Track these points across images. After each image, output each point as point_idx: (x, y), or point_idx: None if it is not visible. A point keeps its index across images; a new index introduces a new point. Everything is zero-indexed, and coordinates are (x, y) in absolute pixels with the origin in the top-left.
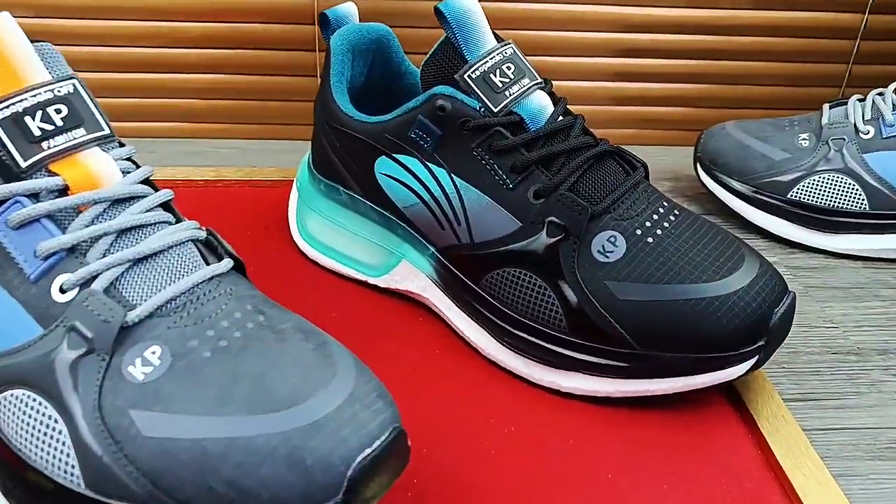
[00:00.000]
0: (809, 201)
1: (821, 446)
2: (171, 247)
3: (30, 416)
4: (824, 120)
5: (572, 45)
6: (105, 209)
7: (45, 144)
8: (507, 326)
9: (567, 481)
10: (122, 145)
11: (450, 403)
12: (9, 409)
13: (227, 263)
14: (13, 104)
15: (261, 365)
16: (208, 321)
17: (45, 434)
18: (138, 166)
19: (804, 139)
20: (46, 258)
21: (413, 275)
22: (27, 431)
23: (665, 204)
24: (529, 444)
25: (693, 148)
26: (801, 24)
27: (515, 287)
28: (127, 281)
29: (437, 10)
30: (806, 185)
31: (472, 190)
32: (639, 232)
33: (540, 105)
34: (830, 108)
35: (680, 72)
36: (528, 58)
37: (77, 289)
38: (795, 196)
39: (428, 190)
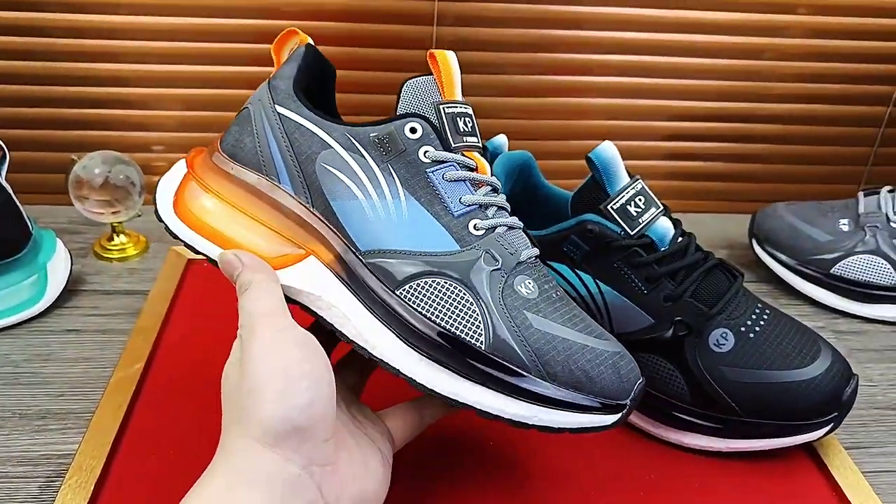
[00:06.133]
0: (849, 276)
1: (875, 485)
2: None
3: (451, 297)
4: (860, 209)
5: (628, 133)
6: (491, 189)
7: (465, 139)
8: None
9: None
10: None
11: (596, 459)
12: (431, 291)
13: (535, 251)
14: (453, 107)
15: (580, 312)
16: (548, 277)
17: (463, 309)
18: None
19: (844, 224)
20: (467, 205)
21: None
22: (447, 306)
23: (759, 305)
24: (666, 489)
25: (749, 221)
26: (832, 114)
27: (647, 368)
28: (505, 237)
29: (588, 157)
30: (846, 263)
31: (613, 293)
32: (743, 329)
33: (665, 228)
34: (864, 195)
35: (721, 153)
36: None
37: (484, 230)
38: (837, 272)
39: (575, 290)
